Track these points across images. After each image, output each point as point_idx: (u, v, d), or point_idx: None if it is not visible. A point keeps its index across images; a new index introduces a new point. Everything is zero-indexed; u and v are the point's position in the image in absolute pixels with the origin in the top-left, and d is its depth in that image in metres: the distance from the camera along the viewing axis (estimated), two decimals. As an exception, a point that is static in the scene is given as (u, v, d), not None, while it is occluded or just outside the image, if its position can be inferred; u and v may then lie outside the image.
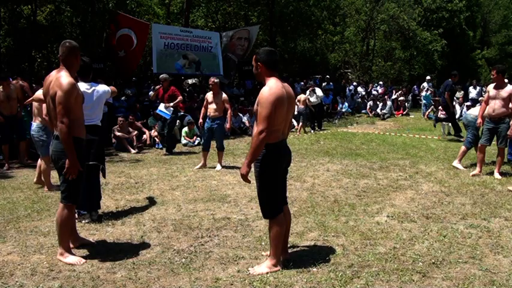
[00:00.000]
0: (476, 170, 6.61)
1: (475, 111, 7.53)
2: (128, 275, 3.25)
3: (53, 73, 3.52)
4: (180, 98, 9.06)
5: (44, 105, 5.23)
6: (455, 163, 7.22)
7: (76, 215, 4.31)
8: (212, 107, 7.37)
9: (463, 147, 7.28)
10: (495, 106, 6.41)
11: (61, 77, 3.40)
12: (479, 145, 6.72)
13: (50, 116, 3.60)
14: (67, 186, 3.51)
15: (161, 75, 9.19)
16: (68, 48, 3.51)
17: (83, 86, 4.34)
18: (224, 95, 7.42)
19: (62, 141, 3.39)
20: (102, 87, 4.73)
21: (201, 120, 7.70)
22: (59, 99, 3.34)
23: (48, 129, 5.64)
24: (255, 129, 3.15)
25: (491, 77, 6.60)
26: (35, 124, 5.83)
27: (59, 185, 6.19)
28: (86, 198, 4.41)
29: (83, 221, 4.49)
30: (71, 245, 3.66)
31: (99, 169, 4.59)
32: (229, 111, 7.39)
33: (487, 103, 6.63)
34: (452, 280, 3.14)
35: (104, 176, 4.78)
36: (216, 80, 7.43)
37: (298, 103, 12.38)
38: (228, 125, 7.50)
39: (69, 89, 3.36)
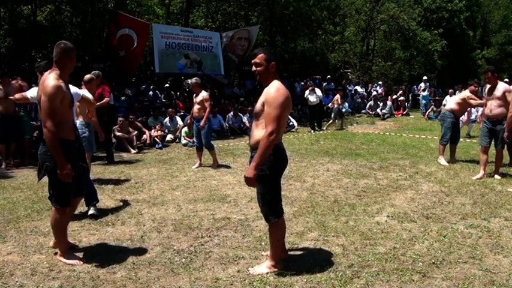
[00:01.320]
0: (480, 174, 6.43)
1: (447, 106, 7.97)
2: (127, 275, 3.25)
3: (44, 76, 3.45)
4: (106, 99, 7.99)
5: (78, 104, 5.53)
6: (440, 160, 7.54)
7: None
8: (195, 107, 7.44)
9: (440, 146, 7.66)
10: (491, 107, 6.34)
11: (46, 80, 3.36)
12: (481, 147, 6.55)
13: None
14: (55, 189, 3.47)
15: (94, 71, 8.20)
16: (62, 49, 3.44)
17: None
18: (203, 94, 7.32)
19: (48, 146, 3.32)
20: (72, 89, 4.74)
21: (190, 120, 7.75)
22: (42, 104, 3.30)
23: (91, 126, 6.03)
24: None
25: (486, 80, 6.48)
26: (78, 121, 6.01)
27: (94, 178, 6.27)
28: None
29: (90, 211, 4.63)
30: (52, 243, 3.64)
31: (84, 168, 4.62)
32: (207, 110, 7.27)
33: (486, 105, 6.61)
34: (452, 280, 3.14)
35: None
36: (193, 81, 7.46)
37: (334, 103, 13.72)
38: (202, 123, 7.25)
39: (52, 92, 3.29)
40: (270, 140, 2.98)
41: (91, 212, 4.63)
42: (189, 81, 7.61)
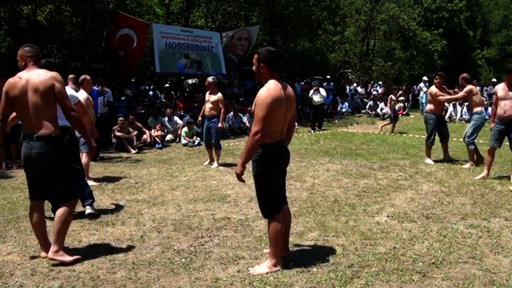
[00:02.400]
0: (484, 173, 6.35)
1: (426, 108, 7.94)
2: (127, 275, 3.25)
3: (23, 74, 3.42)
4: None
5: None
6: (426, 160, 7.62)
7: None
8: (208, 106, 7.48)
9: (426, 147, 7.74)
10: (506, 107, 6.08)
11: (48, 72, 3.45)
12: (489, 147, 6.37)
13: (27, 117, 3.42)
14: (65, 184, 3.50)
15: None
16: (37, 49, 3.58)
17: None
18: (219, 95, 7.41)
19: (78, 127, 3.64)
20: (69, 92, 4.72)
21: (199, 119, 7.84)
22: (60, 91, 3.39)
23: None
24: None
25: (507, 78, 6.13)
26: None
27: (94, 178, 6.39)
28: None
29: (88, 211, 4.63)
30: (44, 254, 3.59)
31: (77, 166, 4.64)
32: (222, 111, 7.38)
33: (496, 105, 6.32)
34: (452, 280, 3.14)
35: None
36: (210, 80, 7.49)
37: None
38: (219, 124, 7.41)
39: (62, 80, 3.48)
40: (254, 139, 3.06)
41: (88, 211, 4.63)
42: (208, 79, 7.59)
